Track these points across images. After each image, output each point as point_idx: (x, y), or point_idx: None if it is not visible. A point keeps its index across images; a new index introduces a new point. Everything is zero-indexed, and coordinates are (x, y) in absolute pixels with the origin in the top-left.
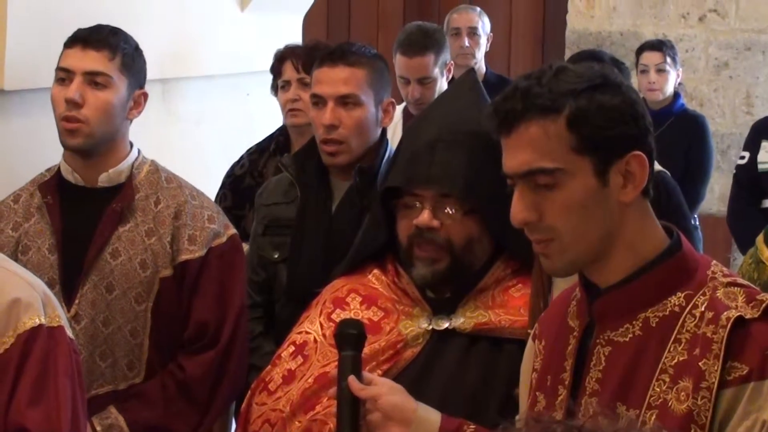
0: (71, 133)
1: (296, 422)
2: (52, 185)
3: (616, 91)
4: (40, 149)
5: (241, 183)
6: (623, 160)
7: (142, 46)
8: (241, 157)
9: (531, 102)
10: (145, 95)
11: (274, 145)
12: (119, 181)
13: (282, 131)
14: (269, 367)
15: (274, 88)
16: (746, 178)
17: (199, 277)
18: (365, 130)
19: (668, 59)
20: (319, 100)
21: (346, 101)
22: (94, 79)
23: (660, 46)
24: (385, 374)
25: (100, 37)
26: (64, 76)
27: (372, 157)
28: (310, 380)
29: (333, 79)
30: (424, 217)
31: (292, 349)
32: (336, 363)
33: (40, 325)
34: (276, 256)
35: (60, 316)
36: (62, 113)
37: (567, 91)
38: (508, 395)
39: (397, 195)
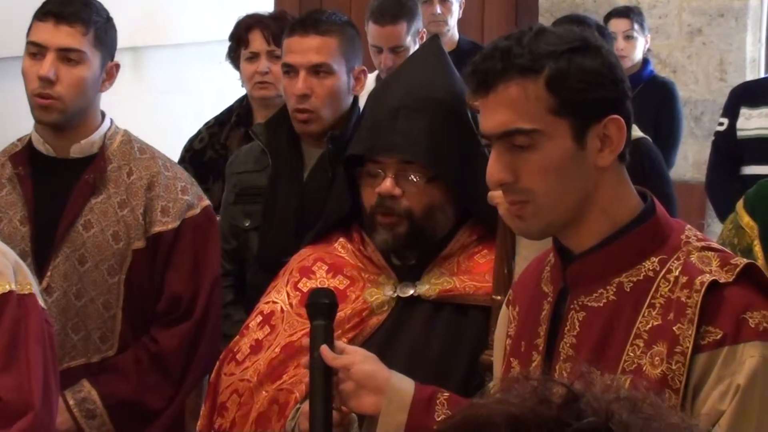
0: (45, 109)
1: (263, 392)
2: (24, 156)
3: (596, 54)
4: (11, 118)
5: (203, 156)
6: (601, 123)
7: (112, 16)
8: (199, 131)
9: (511, 62)
10: (117, 66)
11: (236, 117)
12: (91, 151)
13: (242, 103)
14: (237, 337)
15: (233, 58)
16: (725, 145)
17: (172, 249)
18: (337, 98)
19: (636, 26)
20: (290, 70)
21: (318, 70)
22: (67, 56)
23: (627, 12)
24: (350, 342)
25: (73, 11)
26: (35, 51)
27: (344, 125)
28: (276, 350)
29: (304, 48)
30: (387, 184)
31: (259, 319)
32: (302, 332)
33: (11, 292)
34: (247, 224)
35: (32, 284)
36: (35, 89)
37: (547, 52)
38: (474, 361)
39: (362, 163)
